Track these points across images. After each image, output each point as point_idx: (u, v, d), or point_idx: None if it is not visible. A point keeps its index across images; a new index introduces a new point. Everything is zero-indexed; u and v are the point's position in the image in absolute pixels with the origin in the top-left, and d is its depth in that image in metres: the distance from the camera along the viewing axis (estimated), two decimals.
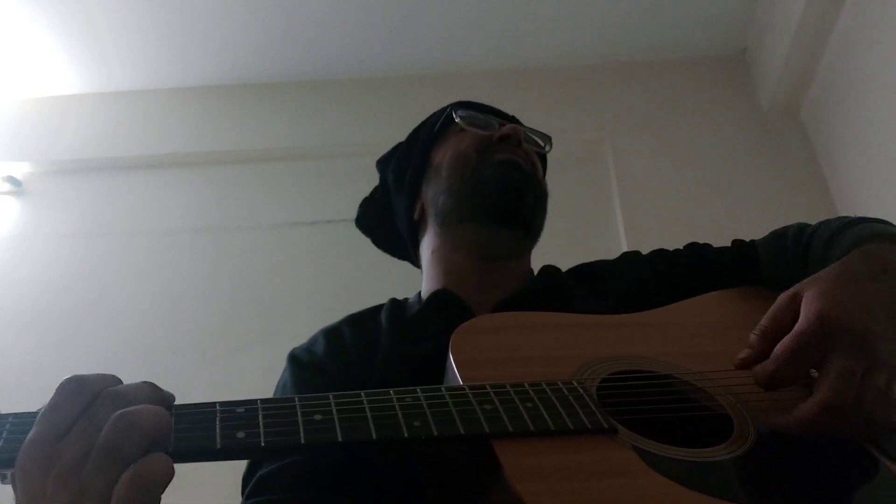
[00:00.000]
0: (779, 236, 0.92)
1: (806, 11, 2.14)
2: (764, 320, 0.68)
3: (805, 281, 0.68)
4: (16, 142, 2.60)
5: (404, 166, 1.06)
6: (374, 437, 0.54)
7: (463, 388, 0.60)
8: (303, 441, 0.53)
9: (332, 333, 0.92)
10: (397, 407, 0.56)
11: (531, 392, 0.60)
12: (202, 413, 0.53)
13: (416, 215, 1.04)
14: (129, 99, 2.68)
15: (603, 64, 2.63)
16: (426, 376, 0.64)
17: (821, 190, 2.31)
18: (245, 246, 2.38)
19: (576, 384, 0.63)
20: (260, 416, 0.54)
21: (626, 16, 2.50)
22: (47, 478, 0.47)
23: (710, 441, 0.61)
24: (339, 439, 0.53)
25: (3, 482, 0.51)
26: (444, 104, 1.09)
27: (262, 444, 0.52)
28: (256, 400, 0.55)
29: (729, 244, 0.98)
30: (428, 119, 1.10)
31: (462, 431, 0.55)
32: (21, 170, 2.56)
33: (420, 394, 0.58)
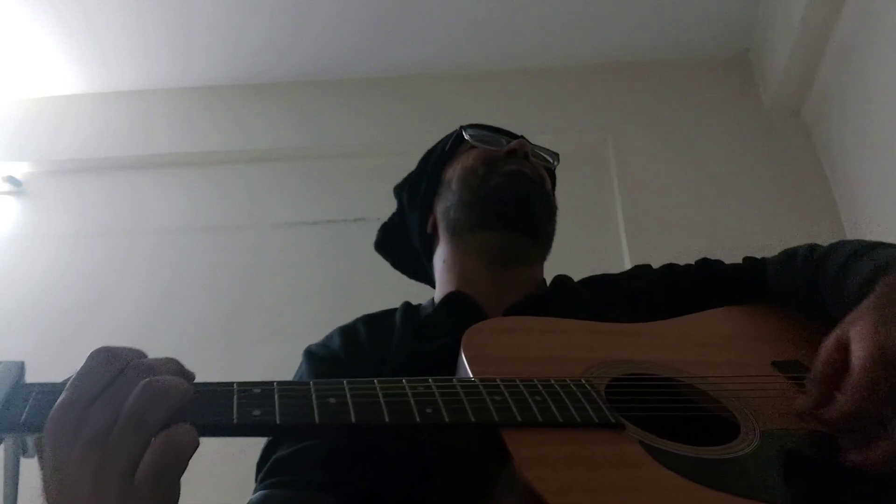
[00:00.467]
0: (789, 255, 0.93)
1: (808, 11, 2.14)
2: (815, 369, 0.66)
3: (844, 322, 0.67)
4: (16, 142, 2.60)
5: (417, 185, 1.11)
6: (386, 420, 0.55)
7: (474, 381, 0.62)
8: (317, 420, 0.53)
9: (347, 331, 0.94)
10: (409, 394, 0.58)
11: (540, 387, 0.62)
12: (221, 391, 0.55)
13: (428, 229, 1.07)
14: (129, 99, 2.68)
15: (605, 64, 2.63)
16: (437, 373, 0.65)
17: (823, 189, 2.30)
18: (245, 246, 2.38)
19: (584, 382, 0.64)
20: (276, 396, 0.55)
21: (629, 16, 2.50)
22: (76, 442, 0.48)
23: (716, 443, 0.62)
24: (353, 420, 0.54)
25: (25, 456, 0.52)
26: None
27: (278, 422, 0.53)
28: (273, 382, 0.57)
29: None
30: (439, 141, 1.14)
31: (472, 419, 0.56)
32: (21, 170, 2.56)
33: (432, 383, 0.60)
